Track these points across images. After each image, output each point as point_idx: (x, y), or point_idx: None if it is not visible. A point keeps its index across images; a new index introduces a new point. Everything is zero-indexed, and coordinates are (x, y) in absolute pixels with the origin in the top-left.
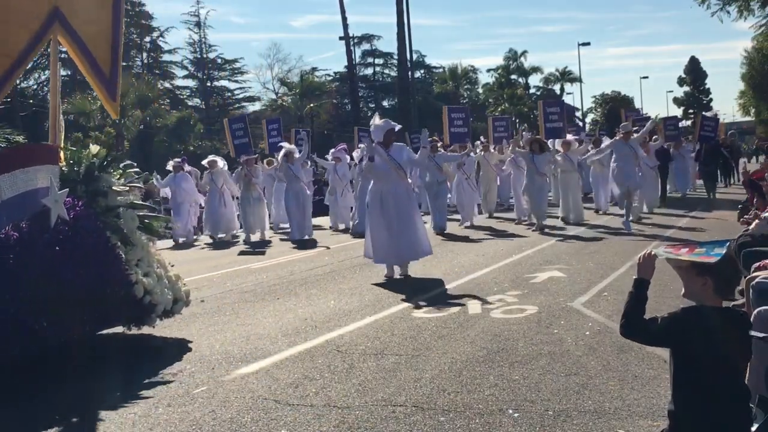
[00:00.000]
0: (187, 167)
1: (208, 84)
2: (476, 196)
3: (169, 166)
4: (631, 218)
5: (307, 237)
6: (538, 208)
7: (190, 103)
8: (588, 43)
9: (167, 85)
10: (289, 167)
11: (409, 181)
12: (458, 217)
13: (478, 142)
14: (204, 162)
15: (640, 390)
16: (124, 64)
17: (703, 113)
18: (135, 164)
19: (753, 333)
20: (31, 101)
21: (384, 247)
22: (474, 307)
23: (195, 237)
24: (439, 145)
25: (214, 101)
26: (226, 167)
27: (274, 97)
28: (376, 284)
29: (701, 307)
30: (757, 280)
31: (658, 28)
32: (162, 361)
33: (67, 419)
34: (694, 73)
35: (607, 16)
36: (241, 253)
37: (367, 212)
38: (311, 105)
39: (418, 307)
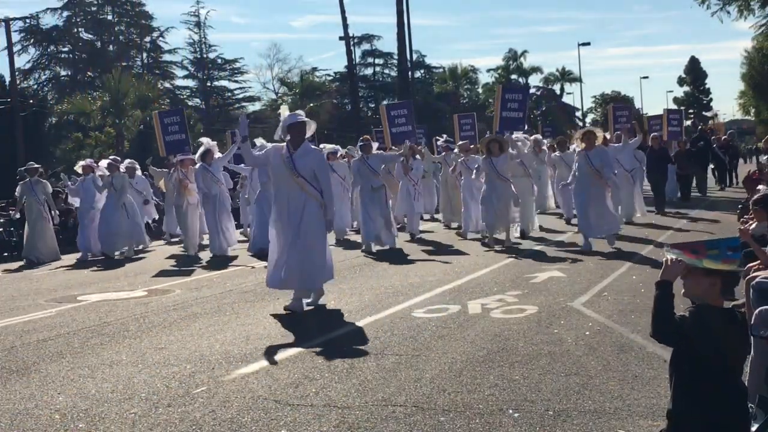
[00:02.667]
0: (122, 167)
1: (208, 84)
2: (420, 206)
3: (78, 167)
4: (606, 234)
5: (226, 252)
6: (496, 219)
7: (190, 103)
8: (588, 43)
9: (167, 85)
10: (206, 168)
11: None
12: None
13: (441, 140)
14: (103, 163)
15: (640, 390)
16: (124, 64)
17: (668, 108)
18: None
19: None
20: (31, 101)
21: (271, 268)
22: (474, 307)
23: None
24: (376, 146)
25: (214, 101)
26: (138, 170)
27: (274, 97)
28: (376, 284)
29: (709, 307)
30: (757, 280)
31: (658, 28)
32: (162, 361)
33: (67, 419)
34: (694, 73)
35: (607, 16)
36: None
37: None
38: (311, 105)
39: (418, 307)
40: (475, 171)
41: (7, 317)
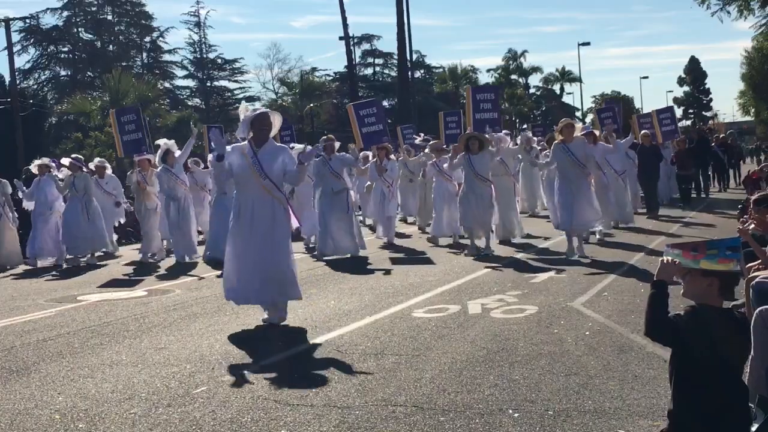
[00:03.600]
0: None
1: (208, 84)
2: (392, 209)
3: (34, 167)
4: (596, 237)
5: (188, 259)
6: (474, 222)
7: (190, 103)
8: (588, 43)
9: (167, 85)
10: (168, 170)
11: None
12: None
13: (419, 139)
14: (64, 161)
15: (640, 390)
16: (124, 64)
17: (656, 109)
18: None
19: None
20: (31, 101)
21: (230, 278)
22: (474, 307)
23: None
24: (351, 147)
25: (214, 101)
26: (108, 169)
27: (274, 97)
28: (376, 284)
29: (707, 307)
30: (757, 280)
31: (658, 28)
32: (162, 361)
33: (67, 419)
34: (694, 73)
35: (607, 16)
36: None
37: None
38: (311, 105)
39: (418, 307)
40: (447, 163)
41: (7, 317)
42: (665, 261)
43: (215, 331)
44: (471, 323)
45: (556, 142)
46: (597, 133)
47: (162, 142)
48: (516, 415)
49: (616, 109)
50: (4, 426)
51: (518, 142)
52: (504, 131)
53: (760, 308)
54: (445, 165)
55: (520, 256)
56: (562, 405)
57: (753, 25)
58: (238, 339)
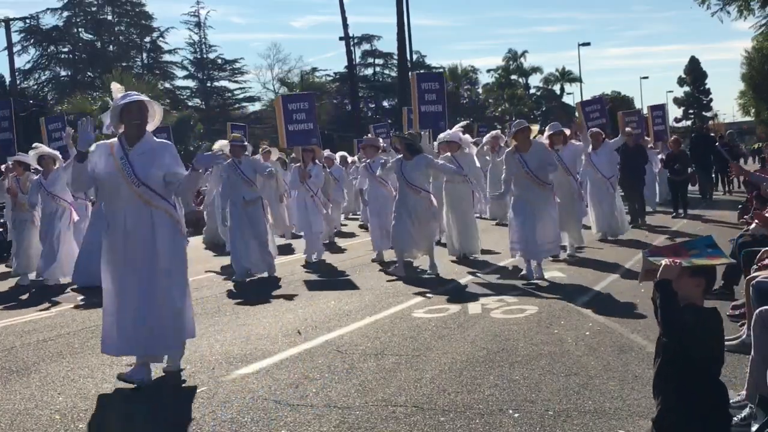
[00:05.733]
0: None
1: (208, 84)
2: (319, 221)
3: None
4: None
5: (56, 280)
6: (407, 239)
7: (190, 104)
8: (588, 43)
9: (167, 85)
10: (40, 182)
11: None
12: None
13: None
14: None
15: (640, 390)
16: (124, 64)
17: (650, 105)
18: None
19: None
20: (31, 101)
21: (107, 326)
22: (474, 307)
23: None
24: (266, 149)
25: (214, 101)
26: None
27: (273, 97)
28: (376, 284)
29: (695, 307)
30: (757, 279)
31: (658, 28)
32: (162, 362)
33: (67, 419)
34: (694, 74)
35: (607, 16)
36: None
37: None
38: None
39: (418, 307)
40: (380, 167)
41: (7, 317)
42: (667, 263)
43: (215, 331)
44: (471, 323)
45: (508, 150)
46: (567, 131)
47: (36, 146)
48: (516, 415)
49: (604, 101)
50: (4, 426)
51: (484, 140)
52: (458, 126)
53: (760, 309)
54: (378, 172)
55: (465, 280)
56: (562, 405)
57: (753, 26)
58: (238, 339)
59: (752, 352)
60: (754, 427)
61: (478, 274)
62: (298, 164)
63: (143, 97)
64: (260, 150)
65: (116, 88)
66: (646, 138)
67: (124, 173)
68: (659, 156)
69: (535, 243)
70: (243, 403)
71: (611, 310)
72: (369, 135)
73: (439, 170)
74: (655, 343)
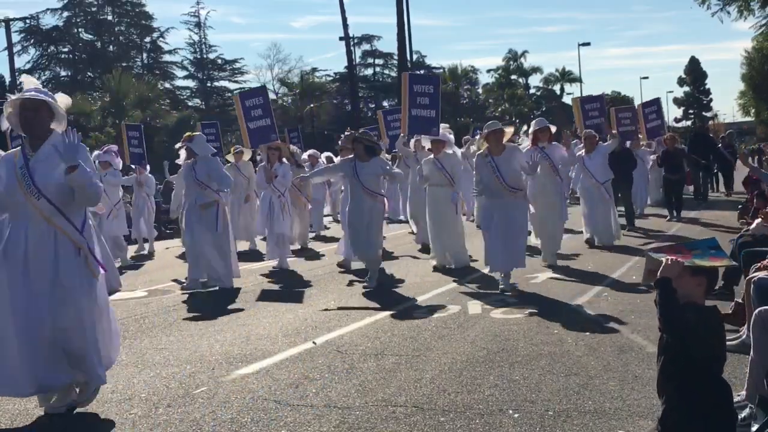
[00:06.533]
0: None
1: (208, 84)
2: (284, 223)
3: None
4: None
5: None
6: (364, 247)
7: (190, 104)
8: (588, 43)
9: (167, 85)
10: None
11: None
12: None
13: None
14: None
15: (640, 390)
16: (124, 64)
17: (642, 102)
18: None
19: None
20: None
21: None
22: (474, 307)
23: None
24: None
25: (214, 101)
26: None
27: (274, 97)
28: (376, 284)
29: (696, 305)
30: (758, 276)
31: (658, 28)
32: (162, 362)
33: (67, 419)
34: (694, 74)
35: (607, 16)
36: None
37: None
38: (311, 105)
39: (418, 307)
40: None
41: None
42: (667, 260)
43: (215, 331)
44: (471, 323)
45: (479, 152)
46: (553, 129)
47: None
48: (516, 415)
49: (604, 100)
50: (4, 426)
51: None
52: (444, 125)
53: (760, 308)
54: (313, 175)
55: (447, 288)
56: (562, 405)
57: (753, 26)
58: (238, 339)
59: (752, 353)
60: (754, 427)
61: (465, 283)
62: (263, 163)
63: (47, 96)
64: (232, 150)
65: (27, 80)
66: (639, 136)
67: (23, 184)
68: (651, 157)
69: (499, 255)
70: (243, 403)
71: (611, 310)
72: (347, 133)
73: (394, 176)
74: (657, 343)
